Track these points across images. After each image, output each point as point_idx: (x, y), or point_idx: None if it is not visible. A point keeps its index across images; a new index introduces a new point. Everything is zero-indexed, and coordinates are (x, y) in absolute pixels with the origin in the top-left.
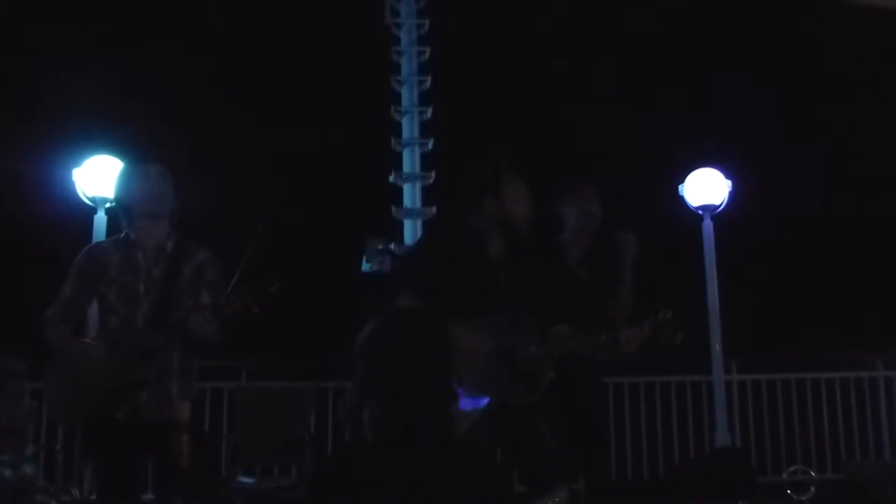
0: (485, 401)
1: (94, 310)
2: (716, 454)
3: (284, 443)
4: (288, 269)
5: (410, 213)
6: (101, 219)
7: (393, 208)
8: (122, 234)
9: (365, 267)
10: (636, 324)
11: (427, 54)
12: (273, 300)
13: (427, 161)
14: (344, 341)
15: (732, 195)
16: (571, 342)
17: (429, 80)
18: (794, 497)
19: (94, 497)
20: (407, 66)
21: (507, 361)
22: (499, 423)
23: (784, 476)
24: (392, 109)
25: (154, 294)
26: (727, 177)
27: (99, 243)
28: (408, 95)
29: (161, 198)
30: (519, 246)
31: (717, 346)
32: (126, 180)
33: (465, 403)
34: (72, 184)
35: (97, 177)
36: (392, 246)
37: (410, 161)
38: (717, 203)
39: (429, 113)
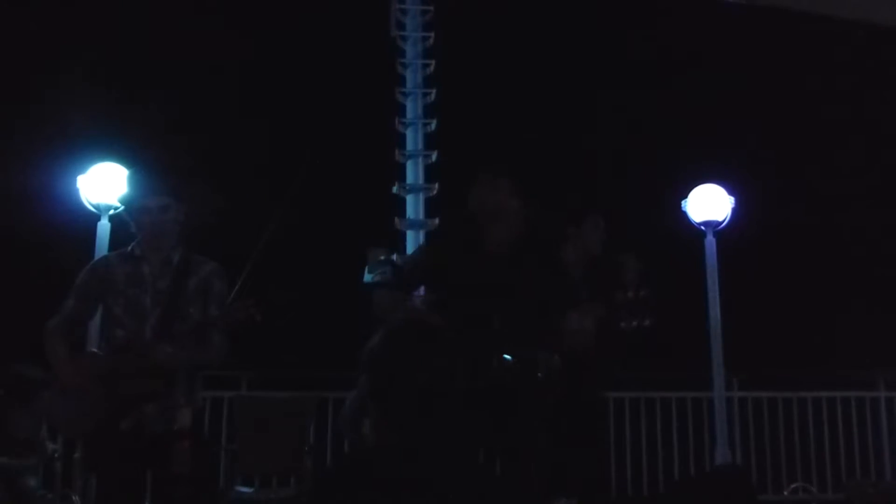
0: None
1: (95, 323)
2: (716, 471)
3: (284, 453)
4: (290, 278)
5: (413, 225)
6: (104, 226)
7: (396, 219)
8: (129, 248)
9: (367, 278)
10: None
11: (432, 67)
12: (277, 310)
13: (431, 173)
14: (345, 352)
15: (735, 211)
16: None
17: (433, 92)
18: None
19: None
20: (412, 78)
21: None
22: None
23: (786, 493)
24: (396, 121)
25: (161, 307)
26: (730, 193)
27: (105, 257)
28: (412, 107)
29: (160, 233)
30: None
31: (718, 363)
32: (129, 207)
33: None
34: (76, 191)
35: (101, 184)
36: (394, 257)
37: (414, 172)
38: (720, 219)
39: (433, 125)
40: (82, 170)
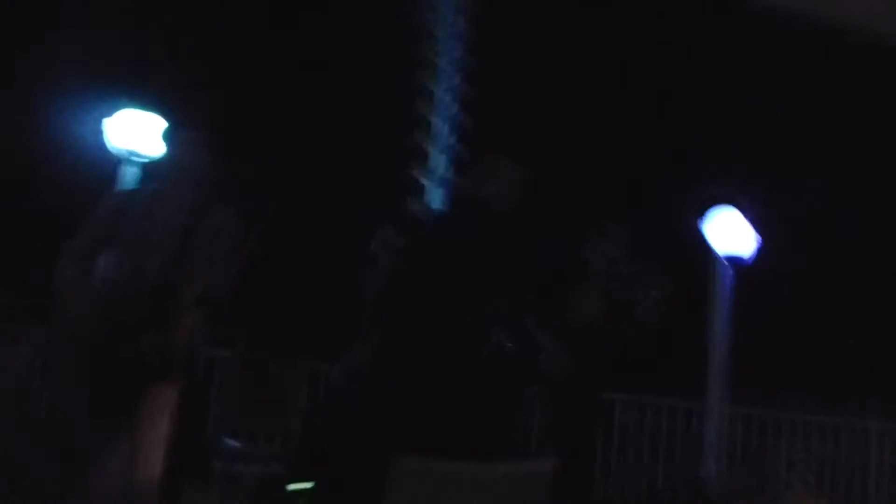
0: None
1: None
2: (698, 482)
3: (273, 416)
4: (295, 256)
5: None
6: (126, 171)
7: (407, 199)
8: (147, 185)
9: None
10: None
11: (461, 53)
12: (279, 282)
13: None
14: (344, 328)
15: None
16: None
17: (460, 77)
18: None
19: None
20: (444, 60)
21: None
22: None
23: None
24: (421, 106)
25: (170, 244)
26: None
27: (122, 191)
28: (443, 94)
29: (187, 166)
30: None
31: (714, 375)
32: (168, 136)
33: None
34: (101, 134)
35: (126, 129)
36: None
37: (439, 159)
38: (746, 256)
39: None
40: (108, 113)
